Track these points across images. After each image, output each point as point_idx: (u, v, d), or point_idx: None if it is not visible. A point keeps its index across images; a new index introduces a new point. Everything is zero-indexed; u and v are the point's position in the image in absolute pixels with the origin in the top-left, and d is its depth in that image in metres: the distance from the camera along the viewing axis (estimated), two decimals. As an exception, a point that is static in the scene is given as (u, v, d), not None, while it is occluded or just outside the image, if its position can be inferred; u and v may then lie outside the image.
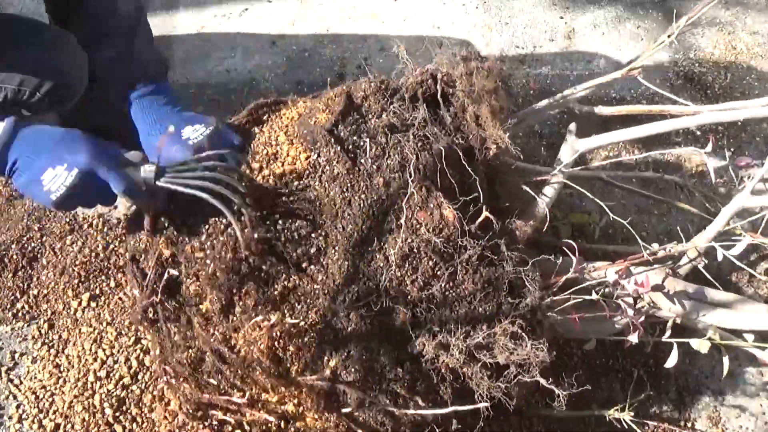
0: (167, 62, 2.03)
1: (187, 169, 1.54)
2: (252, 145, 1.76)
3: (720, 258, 1.81)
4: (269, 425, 1.58)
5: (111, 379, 1.99)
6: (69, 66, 1.96)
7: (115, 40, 1.91)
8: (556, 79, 2.77)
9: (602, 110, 2.23)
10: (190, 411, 1.57)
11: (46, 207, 1.47)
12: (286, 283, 1.55)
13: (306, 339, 1.50)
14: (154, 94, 1.91)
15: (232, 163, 1.68)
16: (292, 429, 1.59)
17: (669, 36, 1.93)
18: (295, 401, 1.55)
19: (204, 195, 1.48)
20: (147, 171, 1.50)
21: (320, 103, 1.78)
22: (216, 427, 1.59)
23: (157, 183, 1.50)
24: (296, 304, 1.54)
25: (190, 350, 1.56)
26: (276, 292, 1.53)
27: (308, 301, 1.54)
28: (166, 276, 1.57)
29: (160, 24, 2.72)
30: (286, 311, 1.52)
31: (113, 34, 1.91)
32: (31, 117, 1.94)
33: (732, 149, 2.66)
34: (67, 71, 1.96)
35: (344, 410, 1.54)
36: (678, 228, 2.07)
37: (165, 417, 1.90)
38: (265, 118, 1.87)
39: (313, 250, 1.59)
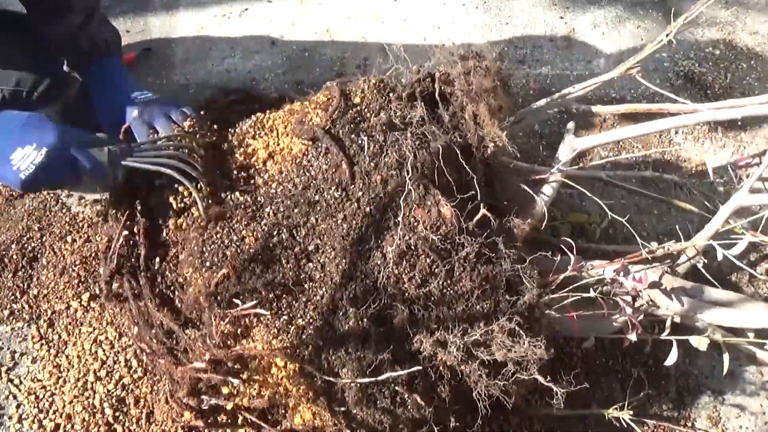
0: (120, 40, 2.23)
1: (148, 149, 1.73)
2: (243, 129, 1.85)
3: (720, 257, 1.81)
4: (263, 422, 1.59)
5: (111, 379, 1.98)
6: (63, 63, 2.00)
7: (76, 15, 2.00)
8: (556, 79, 2.77)
9: (601, 109, 2.24)
10: (181, 400, 1.58)
11: (14, 189, 1.54)
12: (283, 280, 1.56)
13: (304, 336, 1.51)
14: (109, 65, 2.09)
15: (179, 120, 1.88)
16: (288, 427, 1.59)
17: (667, 35, 1.93)
18: (292, 400, 1.56)
19: (165, 170, 1.66)
20: (113, 151, 1.65)
21: (318, 101, 1.79)
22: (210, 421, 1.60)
23: (123, 162, 1.66)
24: (293, 302, 1.54)
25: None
26: (275, 289, 1.54)
27: (306, 298, 1.55)
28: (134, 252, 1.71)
29: (160, 24, 2.73)
30: (283, 308, 1.53)
31: (75, 9, 1.99)
32: None
33: (732, 149, 2.65)
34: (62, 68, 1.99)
35: (342, 408, 1.54)
36: (678, 228, 2.07)
37: (165, 417, 1.92)
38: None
39: (310, 248, 1.60)
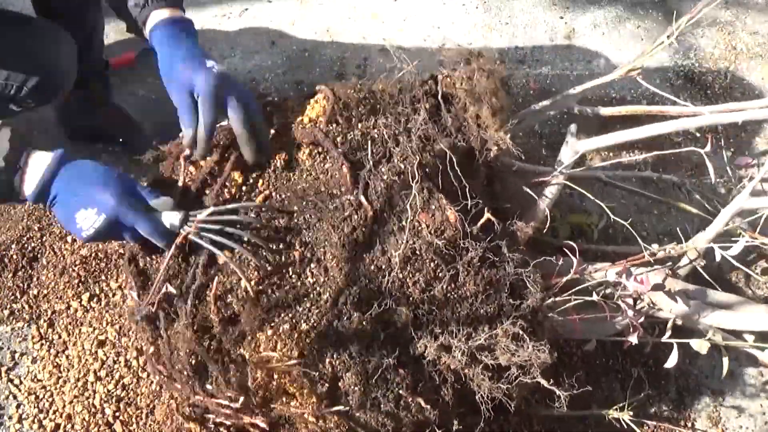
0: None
1: (210, 221, 1.61)
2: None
3: (719, 258, 1.81)
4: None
5: (111, 379, 1.99)
6: (57, 60, 1.98)
7: None
8: (556, 79, 2.77)
9: (602, 111, 2.23)
10: (187, 413, 1.58)
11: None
12: (289, 285, 1.55)
13: (308, 340, 1.51)
14: (187, 24, 1.85)
15: (256, 113, 1.72)
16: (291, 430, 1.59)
17: (669, 37, 1.93)
18: (297, 402, 1.56)
19: (222, 255, 1.58)
20: (172, 218, 1.59)
21: (319, 104, 1.78)
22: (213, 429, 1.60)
23: (181, 231, 1.60)
24: (298, 306, 1.54)
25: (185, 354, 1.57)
26: (280, 295, 1.54)
27: (309, 302, 1.54)
28: (165, 289, 1.60)
29: (160, 24, 2.72)
30: (289, 313, 1.53)
31: None
32: (21, 112, 2.00)
33: (732, 149, 2.66)
34: (55, 65, 1.97)
35: (345, 411, 1.54)
36: (678, 228, 2.07)
37: (165, 418, 1.92)
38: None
39: (315, 252, 1.60)
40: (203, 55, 1.73)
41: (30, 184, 1.56)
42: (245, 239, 1.59)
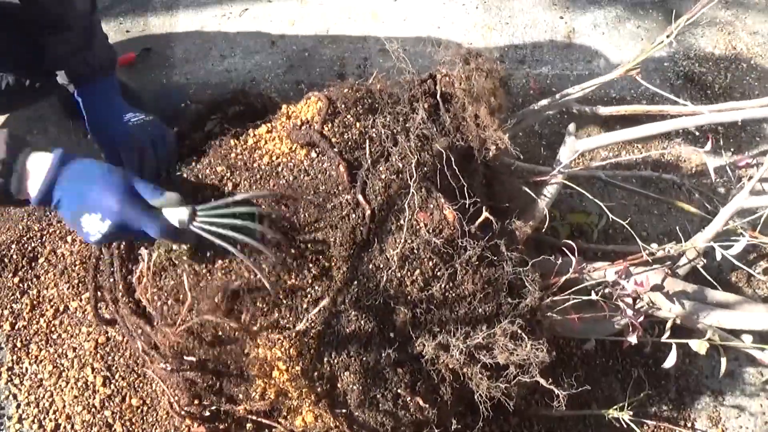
0: (116, 56, 2.14)
1: (218, 214, 1.53)
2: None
3: (719, 257, 1.81)
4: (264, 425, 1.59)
5: (111, 379, 1.99)
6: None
7: (74, 36, 1.96)
8: (556, 79, 2.77)
9: (601, 110, 2.23)
10: (183, 408, 1.58)
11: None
12: (287, 284, 1.55)
13: (307, 340, 1.51)
14: (102, 87, 2.04)
15: (162, 152, 1.86)
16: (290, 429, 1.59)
17: (668, 36, 1.93)
18: (294, 403, 1.56)
19: (233, 250, 1.48)
20: (181, 214, 1.50)
21: (315, 104, 1.77)
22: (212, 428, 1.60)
23: (191, 227, 1.51)
24: (296, 305, 1.54)
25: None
26: (278, 293, 1.54)
27: (308, 301, 1.54)
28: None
29: (160, 24, 2.72)
30: (286, 312, 1.53)
31: (73, 29, 1.95)
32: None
33: (732, 149, 2.66)
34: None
35: (344, 410, 1.54)
36: (678, 228, 2.07)
37: (166, 417, 1.92)
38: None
39: (313, 251, 1.59)
40: None
41: (33, 187, 1.49)
42: (256, 233, 1.52)
